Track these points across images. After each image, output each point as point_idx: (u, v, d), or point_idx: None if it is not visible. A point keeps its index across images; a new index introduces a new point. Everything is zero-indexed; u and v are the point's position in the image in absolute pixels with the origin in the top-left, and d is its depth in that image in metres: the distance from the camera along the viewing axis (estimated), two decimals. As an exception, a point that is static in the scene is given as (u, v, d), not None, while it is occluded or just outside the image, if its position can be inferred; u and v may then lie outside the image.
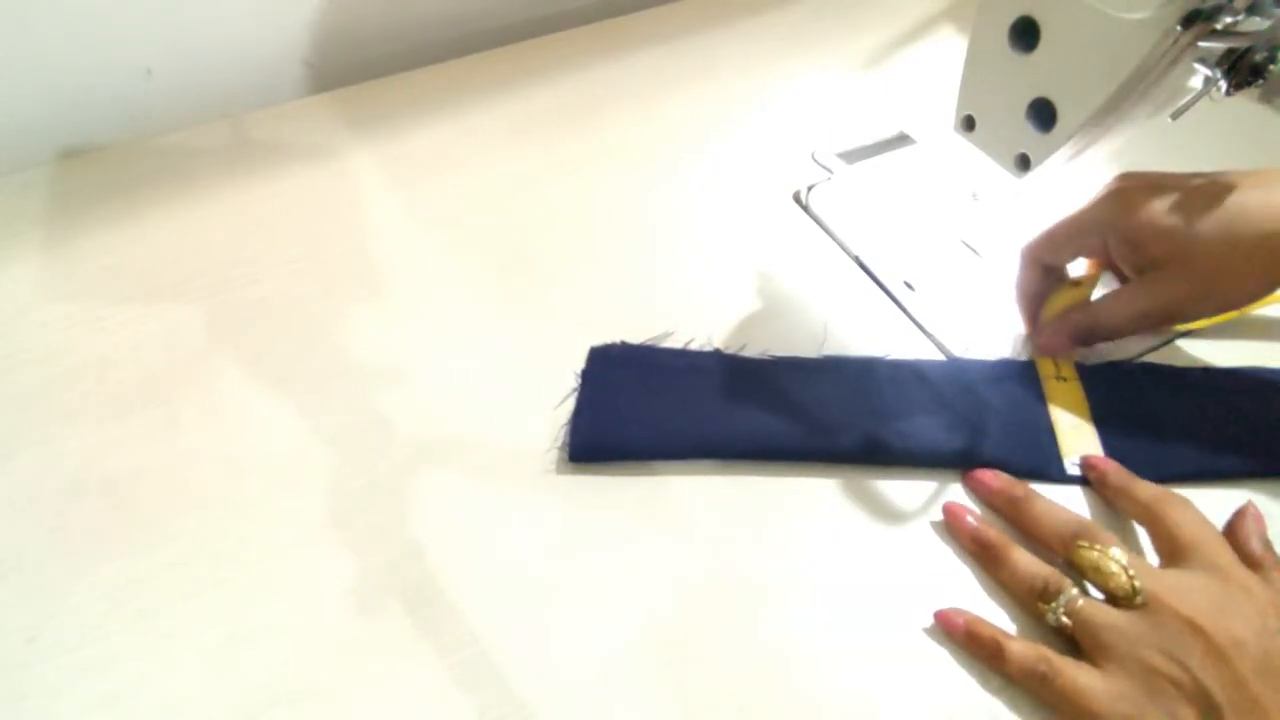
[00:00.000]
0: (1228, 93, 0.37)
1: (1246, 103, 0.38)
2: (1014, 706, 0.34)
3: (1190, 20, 0.34)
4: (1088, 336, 0.44)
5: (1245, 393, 0.44)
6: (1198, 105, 0.38)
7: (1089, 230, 0.43)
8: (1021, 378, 0.45)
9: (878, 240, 0.52)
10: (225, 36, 0.59)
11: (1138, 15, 0.34)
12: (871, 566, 0.38)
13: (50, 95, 0.55)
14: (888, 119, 0.60)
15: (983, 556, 0.38)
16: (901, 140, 0.59)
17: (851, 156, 0.58)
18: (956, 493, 0.41)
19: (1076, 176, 0.43)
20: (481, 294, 0.49)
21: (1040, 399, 0.44)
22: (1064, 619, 0.34)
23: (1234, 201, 0.40)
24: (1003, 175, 0.44)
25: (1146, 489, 0.38)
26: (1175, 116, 0.39)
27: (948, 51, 0.67)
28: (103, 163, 0.56)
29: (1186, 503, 0.37)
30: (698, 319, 0.47)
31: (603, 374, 0.44)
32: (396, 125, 0.59)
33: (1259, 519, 0.37)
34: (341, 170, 0.56)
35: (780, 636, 0.36)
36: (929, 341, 0.47)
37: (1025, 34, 0.39)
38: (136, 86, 0.58)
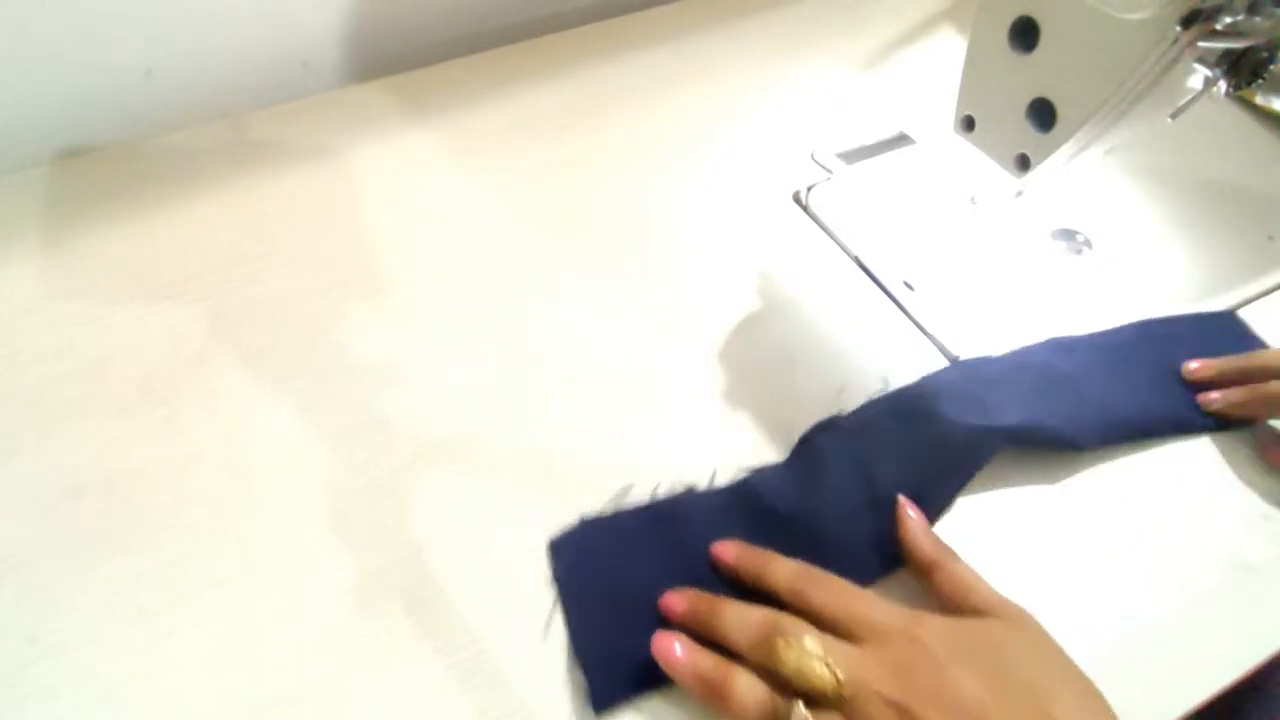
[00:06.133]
0: (1227, 93, 0.37)
1: (1247, 103, 0.38)
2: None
3: (1190, 20, 0.34)
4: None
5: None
6: (1198, 105, 0.38)
7: None
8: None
9: (878, 240, 0.52)
10: (225, 36, 0.59)
11: (1138, 15, 0.34)
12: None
13: (50, 95, 0.55)
14: (888, 119, 0.60)
15: (706, 696, 0.33)
16: (901, 140, 0.59)
17: (851, 156, 0.58)
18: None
19: (1076, 176, 0.43)
20: (481, 293, 0.49)
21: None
22: None
23: None
24: (1002, 175, 0.44)
25: (782, 572, 0.35)
26: (1175, 116, 0.39)
27: (948, 51, 0.67)
28: (103, 163, 0.56)
29: (827, 578, 0.35)
30: (697, 318, 0.48)
31: (577, 574, 0.38)
32: (396, 125, 0.59)
33: (918, 514, 0.38)
34: (341, 170, 0.56)
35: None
36: (929, 342, 0.47)
37: (1025, 34, 0.39)
38: (136, 86, 0.58)
